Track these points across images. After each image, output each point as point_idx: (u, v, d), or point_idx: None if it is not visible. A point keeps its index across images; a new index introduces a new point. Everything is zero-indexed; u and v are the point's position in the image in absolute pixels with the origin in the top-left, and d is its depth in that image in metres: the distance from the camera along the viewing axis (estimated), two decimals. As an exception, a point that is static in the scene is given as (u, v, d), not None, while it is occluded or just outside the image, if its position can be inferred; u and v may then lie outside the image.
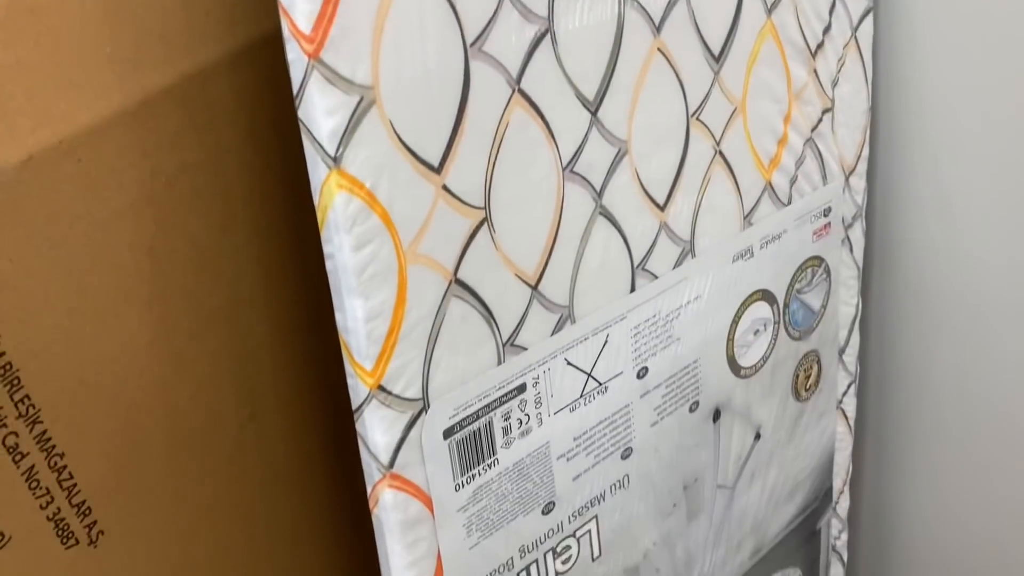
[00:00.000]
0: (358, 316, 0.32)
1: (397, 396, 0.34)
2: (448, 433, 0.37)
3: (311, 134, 0.30)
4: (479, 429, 0.38)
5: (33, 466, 0.31)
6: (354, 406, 0.34)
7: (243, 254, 0.36)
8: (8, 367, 0.29)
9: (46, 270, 0.29)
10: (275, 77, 0.35)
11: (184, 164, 0.33)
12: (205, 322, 0.35)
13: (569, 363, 0.41)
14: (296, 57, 0.29)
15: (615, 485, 0.45)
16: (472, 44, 0.32)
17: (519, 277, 0.37)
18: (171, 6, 0.31)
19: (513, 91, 0.34)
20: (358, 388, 0.34)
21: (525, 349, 0.39)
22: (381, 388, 0.34)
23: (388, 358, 0.34)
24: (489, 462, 0.39)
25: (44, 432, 0.31)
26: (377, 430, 0.35)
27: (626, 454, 0.45)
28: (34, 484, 0.31)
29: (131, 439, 0.34)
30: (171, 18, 0.31)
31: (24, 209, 0.28)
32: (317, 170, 0.30)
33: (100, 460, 0.33)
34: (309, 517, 0.42)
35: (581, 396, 0.42)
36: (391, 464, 0.35)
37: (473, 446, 0.38)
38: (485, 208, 0.35)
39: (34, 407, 0.30)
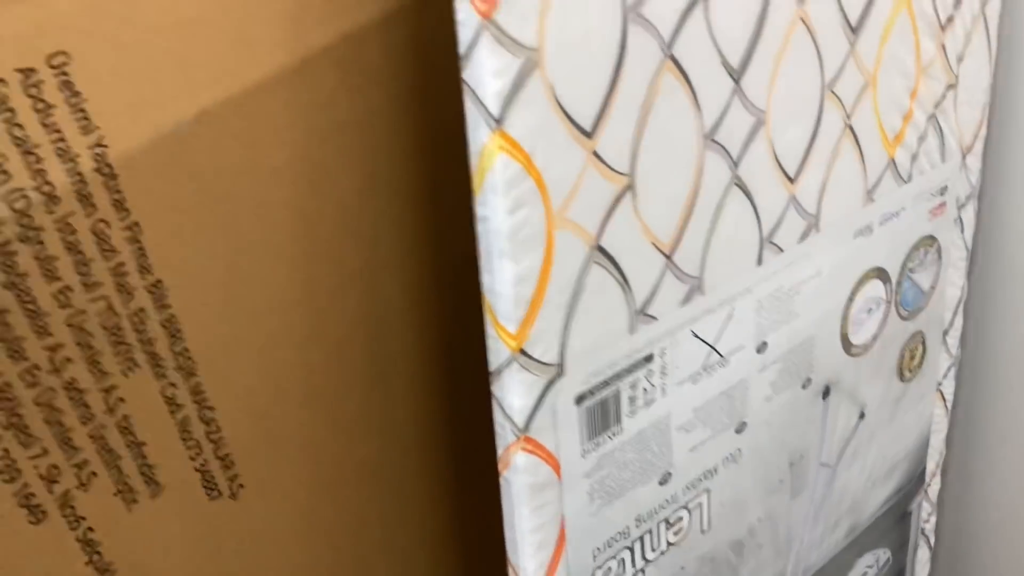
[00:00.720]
0: (507, 279, 0.32)
1: (536, 360, 0.34)
2: (580, 399, 0.37)
3: (475, 95, 0.30)
4: (608, 397, 0.38)
5: (186, 418, 0.31)
6: (493, 368, 0.34)
7: (382, 216, 0.36)
8: (172, 319, 0.29)
9: (212, 225, 0.30)
10: (421, 39, 0.35)
11: (336, 124, 0.33)
12: (345, 283, 0.36)
13: (695, 335, 0.40)
14: (467, 17, 0.28)
15: (728, 459, 0.45)
16: (631, 7, 0.32)
17: (655, 246, 0.37)
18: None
19: (665, 57, 0.34)
20: (500, 351, 0.34)
21: (655, 319, 0.38)
22: (523, 352, 0.34)
23: (531, 322, 0.34)
24: (614, 430, 0.39)
25: (199, 385, 0.31)
26: (515, 393, 0.35)
27: (740, 428, 0.45)
28: (186, 436, 0.31)
29: (271, 395, 0.34)
30: (335, -25, 0.31)
31: (196, 162, 0.28)
32: (478, 132, 0.30)
33: (244, 414, 0.33)
34: (430, 478, 0.43)
35: (703, 368, 0.41)
36: (526, 427, 0.35)
37: (601, 413, 0.38)
38: (630, 175, 0.35)
39: (191, 360, 0.30)
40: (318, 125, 0.32)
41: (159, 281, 0.28)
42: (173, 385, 0.30)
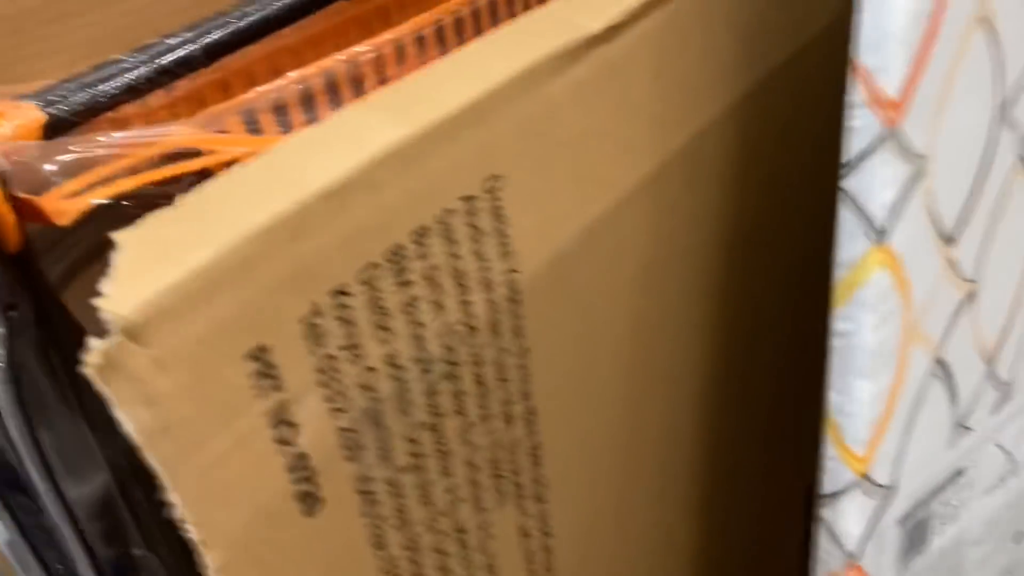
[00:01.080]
0: (863, 399, 0.30)
1: (874, 482, 0.32)
2: (903, 520, 0.34)
3: (857, 206, 0.27)
4: (924, 516, 0.35)
5: (531, 548, 0.29)
6: (829, 491, 0.32)
7: (692, 317, 0.34)
8: (538, 446, 0.27)
9: (571, 345, 0.28)
10: (754, 133, 0.33)
11: (678, 225, 0.31)
12: (656, 390, 0.33)
13: (997, 444, 0.38)
14: (867, 125, 0.26)
15: (1003, 571, 0.42)
16: (1004, 106, 0.30)
17: (980, 354, 0.34)
18: (697, 60, 0.29)
19: (1018, 158, 0.32)
20: (841, 474, 0.31)
21: (971, 430, 0.36)
22: (866, 476, 0.31)
23: (877, 443, 0.31)
24: (921, 549, 0.36)
25: (545, 511, 0.29)
26: (851, 519, 0.32)
27: (1017, 538, 0.42)
28: (530, 566, 0.29)
29: (592, 516, 0.32)
30: (695, 72, 0.29)
31: (572, 280, 0.26)
32: (855, 244, 0.28)
33: (572, 537, 0.31)
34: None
35: (1000, 480, 0.39)
36: (857, 554, 0.33)
37: (917, 533, 0.35)
38: (976, 281, 0.32)
39: (544, 486, 0.28)
40: (663, 230, 0.30)
41: (534, 407, 0.26)
42: (526, 514, 0.28)
